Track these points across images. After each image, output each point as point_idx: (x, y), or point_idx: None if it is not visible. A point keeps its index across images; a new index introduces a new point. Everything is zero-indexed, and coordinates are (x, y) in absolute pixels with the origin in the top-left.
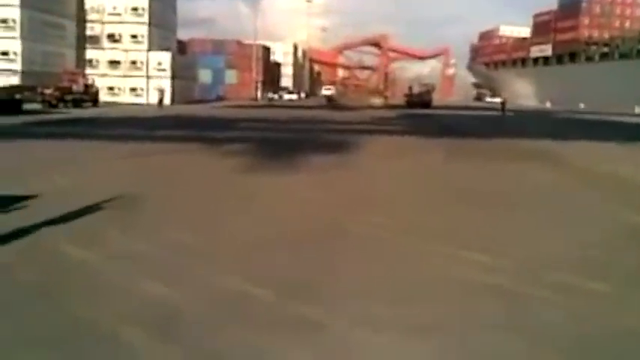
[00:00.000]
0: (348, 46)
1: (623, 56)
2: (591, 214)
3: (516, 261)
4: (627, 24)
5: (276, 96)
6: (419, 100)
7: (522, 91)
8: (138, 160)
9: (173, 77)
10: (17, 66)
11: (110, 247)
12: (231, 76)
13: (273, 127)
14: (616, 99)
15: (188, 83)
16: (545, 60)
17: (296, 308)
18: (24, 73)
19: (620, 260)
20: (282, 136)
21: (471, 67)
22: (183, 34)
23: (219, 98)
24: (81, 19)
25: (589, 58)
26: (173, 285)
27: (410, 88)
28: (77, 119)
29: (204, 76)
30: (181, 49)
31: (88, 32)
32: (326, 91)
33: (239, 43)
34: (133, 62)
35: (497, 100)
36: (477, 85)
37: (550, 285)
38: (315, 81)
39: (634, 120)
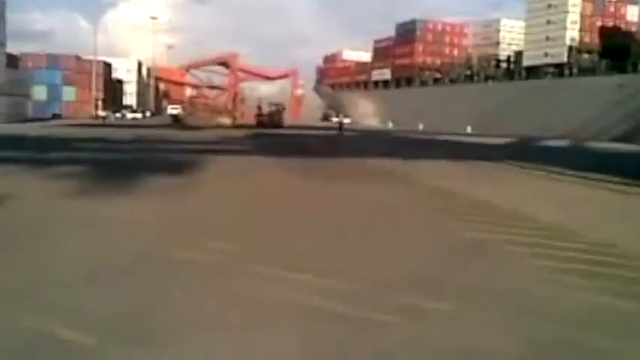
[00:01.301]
0: (195, 65)
1: (452, 81)
2: (430, 230)
3: (357, 282)
4: (456, 52)
5: (118, 114)
6: (269, 120)
7: (366, 112)
8: None
9: (1, 94)
10: None
11: None
12: (69, 93)
13: (112, 147)
14: (450, 120)
15: (19, 100)
16: (385, 83)
17: (115, 350)
18: None
19: (456, 277)
20: (121, 157)
21: (317, 89)
22: (16, 48)
23: (56, 116)
24: None
25: (423, 83)
26: None
27: (259, 107)
28: None
29: (39, 92)
30: (12, 63)
31: None
32: (172, 110)
33: (77, 58)
34: None
35: (344, 120)
36: (329, 107)
37: (389, 307)
38: (162, 99)
39: (465, 139)
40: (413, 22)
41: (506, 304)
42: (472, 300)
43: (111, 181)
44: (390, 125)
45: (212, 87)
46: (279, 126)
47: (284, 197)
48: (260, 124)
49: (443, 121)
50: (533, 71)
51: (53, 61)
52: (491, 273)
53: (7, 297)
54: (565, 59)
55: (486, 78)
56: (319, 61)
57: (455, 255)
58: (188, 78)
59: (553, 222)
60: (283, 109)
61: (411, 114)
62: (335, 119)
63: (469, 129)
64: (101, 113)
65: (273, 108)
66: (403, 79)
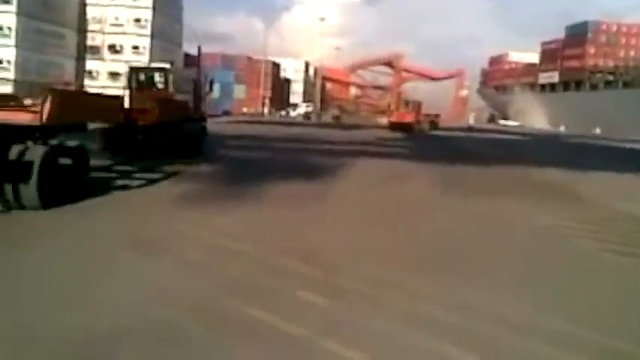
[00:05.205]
0: (361, 66)
1: (627, 84)
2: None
3: None
4: (632, 53)
5: (282, 112)
6: (402, 120)
7: (533, 115)
8: None
9: (176, 91)
10: (10, 75)
11: None
12: (239, 91)
13: (264, 145)
14: (629, 125)
15: (192, 97)
16: (552, 86)
17: None
18: (17, 83)
19: None
20: (266, 157)
21: (481, 90)
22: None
23: (226, 113)
24: (82, 29)
25: (593, 86)
26: None
27: (389, 106)
28: None
29: (213, 90)
30: (191, 63)
31: (89, 42)
32: (307, 108)
33: (249, 58)
34: None
35: (511, 123)
36: (493, 109)
37: None
38: (327, 99)
39: None
40: (584, 24)
41: None
42: None
43: (242, 185)
44: (562, 129)
45: (376, 87)
46: (411, 128)
47: (429, 221)
48: (393, 125)
49: (621, 127)
50: None
51: (228, 61)
52: None
53: None
54: None
55: None
56: (485, 63)
57: None
58: (353, 78)
59: None
60: (419, 107)
61: (584, 118)
62: (502, 122)
63: None
64: (245, 110)
65: (410, 107)
66: (572, 81)
